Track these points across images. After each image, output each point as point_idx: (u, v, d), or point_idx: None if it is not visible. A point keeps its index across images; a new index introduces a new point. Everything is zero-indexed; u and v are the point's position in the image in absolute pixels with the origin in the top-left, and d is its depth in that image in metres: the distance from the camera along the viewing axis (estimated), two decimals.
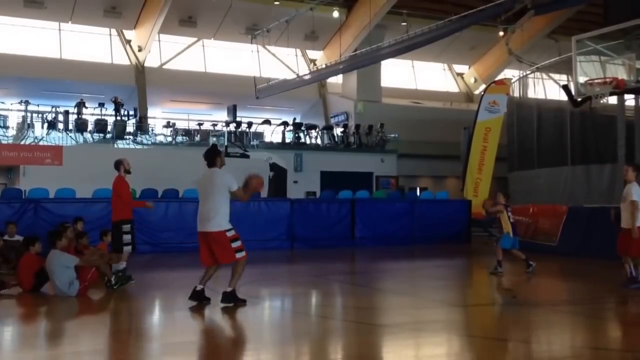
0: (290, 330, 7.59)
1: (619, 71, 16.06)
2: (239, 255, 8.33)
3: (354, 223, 18.63)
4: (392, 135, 29.56)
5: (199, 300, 8.48)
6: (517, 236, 12.39)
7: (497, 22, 23.49)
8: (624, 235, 10.19)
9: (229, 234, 8.29)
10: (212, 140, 22.09)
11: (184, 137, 26.26)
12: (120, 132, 24.55)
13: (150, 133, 26.47)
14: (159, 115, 29.02)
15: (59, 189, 16.65)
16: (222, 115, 27.90)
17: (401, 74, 34.88)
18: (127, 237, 10.20)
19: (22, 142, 23.18)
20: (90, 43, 29.01)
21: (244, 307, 8.33)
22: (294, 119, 29.74)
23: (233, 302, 8.38)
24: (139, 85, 28.68)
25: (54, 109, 24.40)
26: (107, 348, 6.60)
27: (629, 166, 10.51)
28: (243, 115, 27.59)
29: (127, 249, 10.23)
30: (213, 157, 8.54)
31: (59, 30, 28.47)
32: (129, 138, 24.82)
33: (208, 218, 8.30)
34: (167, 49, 30.32)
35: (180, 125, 27.51)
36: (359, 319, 8.15)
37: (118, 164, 10.35)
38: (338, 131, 29.60)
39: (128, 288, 9.95)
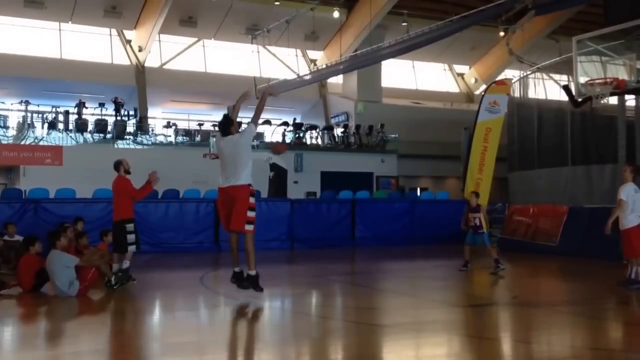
0: (291, 331, 7.58)
1: (619, 71, 16.05)
2: (248, 227, 8.40)
3: (354, 223, 18.63)
4: (393, 136, 29.54)
5: (239, 280, 8.65)
6: (475, 234, 12.61)
7: (498, 22, 23.49)
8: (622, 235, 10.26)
9: (252, 200, 8.49)
10: (213, 140, 22.04)
11: (185, 137, 26.26)
12: (120, 132, 24.54)
13: (150, 133, 26.45)
14: (159, 116, 29.00)
15: (59, 189, 16.66)
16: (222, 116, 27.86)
17: (401, 74, 34.84)
18: (131, 237, 10.22)
19: (22, 142, 23.16)
20: (91, 43, 28.98)
21: (246, 309, 8.40)
22: (294, 119, 29.73)
23: (254, 287, 8.52)
24: (139, 85, 28.66)
25: (54, 109, 24.39)
26: (107, 348, 6.59)
27: (628, 166, 10.60)
28: (244, 116, 27.47)
29: (132, 248, 10.23)
30: (228, 126, 8.95)
31: (59, 30, 28.44)
32: (129, 138, 24.81)
33: (234, 175, 8.52)
34: (167, 49, 30.30)
35: (181, 125, 27.50)
36: (359, 320, 8.15)
37: (118, 165, 10.37)
38: (338, 131, 29.59)
39: (128, 288, 9.94)
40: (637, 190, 10.26)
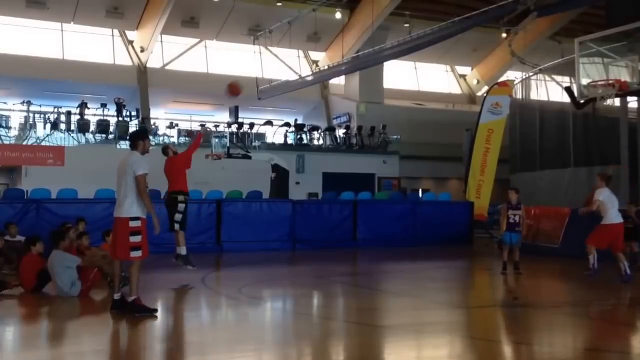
0: (292, 331, 7.58)
1: (621, 73, 16.06)
2: (133, 253, 7.65)
3: (356, 224, 18.58)
4: (394, 137, 29.54)
5: (120, 308, 7.86)
6: (512, 232, 12.39)
7: (500, 23, 23.48)
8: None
9: (132, 223, 7.67)
10: (215, 141, 22.06)
11: (187, 138, 26.26)
12: (122, 132, 24.55)
13: (152, 134, 26.45)
14: (161, 116, 29.02)
15: (61, 189, 16.64)
16: (224, 116, 27.90)
17: (403, 76, 34.83)
18: (178, 216, 10.76)
19: (24, 143, 23.18)
20: (93, 43, 28.99)
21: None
22: (296, 120, 29.73)
23: (138, 312, 7.67)
24: (141, 85, 28.67)
25: (56, 110, 24.39)
26: (109, 348, 6.59)
27: (599, 175, 11.63)
28: (245, 116, 27.59)
29: (176, 226, 10.78)
30: (135, 139, 8.08)
31: (61, 30, 28.45)
32: None
33: (120, 203, 7.82)
34: (169, 50, 30.31)
35: (183, 126, 27.50)
36: (360, 320, 8.14)
37: (165, 149, 11.16)
38: (340, 132, 29.60)
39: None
40: (611, 193, 11.19)
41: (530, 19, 21.22)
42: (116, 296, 7.95)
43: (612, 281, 10.75)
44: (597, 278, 10.87)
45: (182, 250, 10.95)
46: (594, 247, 10.99)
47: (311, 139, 28.68)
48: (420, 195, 28.32)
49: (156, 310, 7.96)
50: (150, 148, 8.37)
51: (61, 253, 9.45)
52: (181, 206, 10.79)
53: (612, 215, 10.94)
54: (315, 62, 32.67)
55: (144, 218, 7.80)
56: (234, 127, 25.96)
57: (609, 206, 10.93)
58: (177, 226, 10.80)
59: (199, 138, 12.13)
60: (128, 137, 8.40)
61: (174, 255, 11.12)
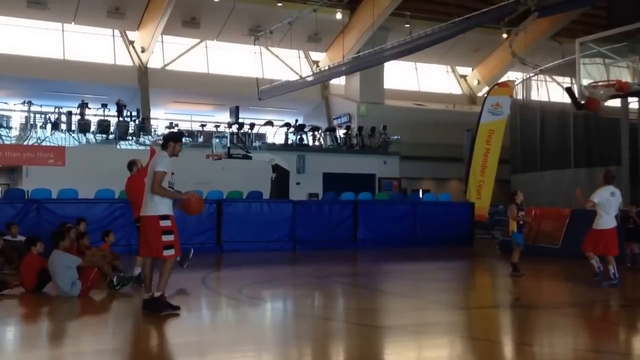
0: (292, 332, 7.57)
1: (622, 74, 16.06)
2: (166, 252, 7.76)
3: (356, 225, 18.59)
4: (395, 137, 29.55)
5: (151, 308, 7.88)
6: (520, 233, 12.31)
7: (501, 24, 23.47)
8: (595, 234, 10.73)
9: (163, 222, 7.78)
10: (215, 141, 22.06)
11: (187, 138, 26.26)
12: (122, 133, 24.57)
13: (152, 134, 26.46)
14: (161, 117, 29.04)
15: (62, 189, 16.64)
16: (225, 117, 27.92)
17: (404, 76, 34.86)
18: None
19: (25, 143, 23.21)
20: (93, 44, 29.04)
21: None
22: (296, 120, 29.74)
23: (159, 309, 7.77)
24: (141, 86, 28.69)
25: (56, 110, 24.42)
26: (109, 348, 6.58)
27: (605, 170, 11.33)
28: (245, 117, 27.60)
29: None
30: (167, 140, 8.23)
31: (62, 30, 28.50)
32: (132, 139, 24.83)
33: (146, 202, 7.90)
34: (170, 50, 30.35)
35: (183, 126, 27.52)
36: (361, 321, 8.14)
37: (131, 165, 10.24)
38: (341, 133, 29.61)
39: (129, 289, 9.92)
40: (613, 194, 10.66)
41: (531, 19, 21.21)
42: (146, 296, 7.96)
43: (600, 285, 10.56)
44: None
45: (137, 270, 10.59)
46: (592, 252, 10.71)
47: (312, 139, 28.69)
48: (420, 195, 28.30)
49: (179, 308, 7.96)
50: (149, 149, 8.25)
51: (61, 253, 9.45)
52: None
53: (604, 221, 10.58)
54: (316, 63, 32.69)
55: (172, 216, 7.91)
56: (234, 128, 25.97)
57: (603, 212, 10.56)
58: None
59: (152, 153, 10.84)
60: (162, 138, 8.44)
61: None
